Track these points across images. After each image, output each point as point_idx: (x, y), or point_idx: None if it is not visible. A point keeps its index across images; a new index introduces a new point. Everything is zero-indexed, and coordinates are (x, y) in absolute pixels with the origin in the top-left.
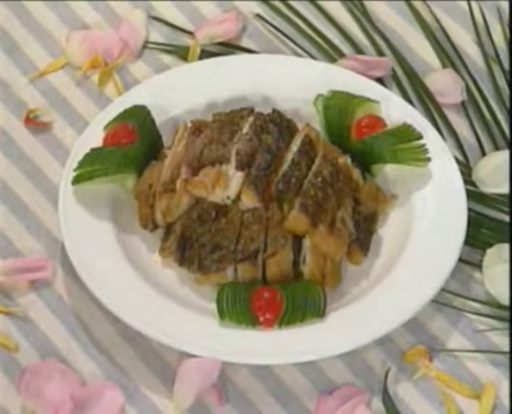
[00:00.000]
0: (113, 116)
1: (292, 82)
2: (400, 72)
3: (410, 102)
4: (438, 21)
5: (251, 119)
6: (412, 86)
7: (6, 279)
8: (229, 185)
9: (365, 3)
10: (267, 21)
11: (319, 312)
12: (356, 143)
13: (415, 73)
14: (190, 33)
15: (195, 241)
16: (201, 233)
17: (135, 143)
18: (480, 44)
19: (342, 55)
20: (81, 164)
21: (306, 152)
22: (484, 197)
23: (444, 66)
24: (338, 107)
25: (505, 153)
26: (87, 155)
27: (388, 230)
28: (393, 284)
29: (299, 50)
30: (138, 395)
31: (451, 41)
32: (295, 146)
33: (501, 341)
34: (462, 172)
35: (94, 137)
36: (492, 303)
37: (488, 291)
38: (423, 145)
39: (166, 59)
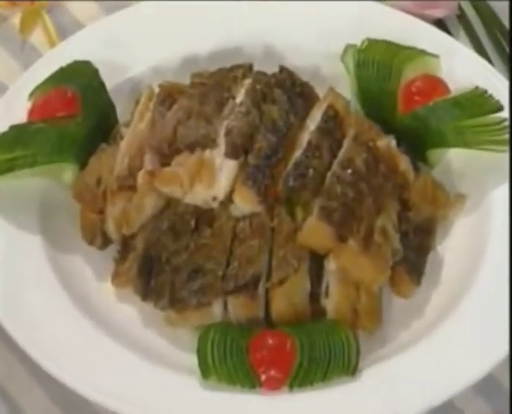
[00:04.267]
0: (43, 78)
1: (309, 27)
2: (470, 12)
3: (485, 55)
4: None
5: (248, 82)
6: (488, 32)
7: None
8: (216, 179)
9: None
10: None
11: (348, 368)
12: (404, 118)
13: (493, 13)
14: None
15: (165, 264)
16: (174, 251)
17: (76, 118)
18: None
19: None
20: None
21: (329, 131)
22: None
23: None
24: (377, 64)
25: None
26: (5, 136)
27: (452, 247)
28: (458, 327)
29: None
30: None
31: None
32: (313, 122)
33: None
34: None
35: (15, 109)
36: None
37: None
38: (503, 120)
39: None
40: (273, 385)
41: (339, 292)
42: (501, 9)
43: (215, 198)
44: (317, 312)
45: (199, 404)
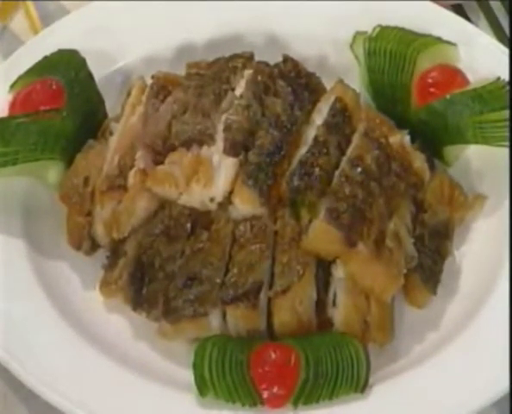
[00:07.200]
0: (25, 68)
1: (315, 12)
2: None
3: (508, 43)
4: None
5: (248, 73)
6: (511, 18)
7: None
8: (214, 179)
9: None
10: None
11: (357, 385)
12: (419, 112)
13: None
14: None
15: (158, 271)
16: (168, 257)
17: (62, 112)
18: None
19: None
20: None
21: (337, 126)
22: None
23: None
24: (389, 53)
25: None
26: None
27: (470, 253)
28: (477, 340)
29: None
30: None
31: None
32: (319, 116)
33: None
34: None
35: None
36: None
37: None
38: None
39: None
40: (276, 403)
41: (347, 302)
42: None
43: (212, 199)
44: (324, 323)
45: None
